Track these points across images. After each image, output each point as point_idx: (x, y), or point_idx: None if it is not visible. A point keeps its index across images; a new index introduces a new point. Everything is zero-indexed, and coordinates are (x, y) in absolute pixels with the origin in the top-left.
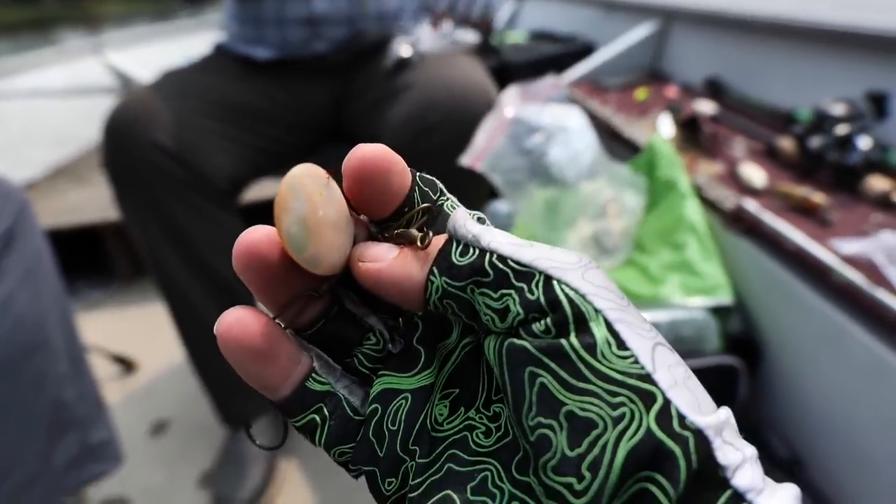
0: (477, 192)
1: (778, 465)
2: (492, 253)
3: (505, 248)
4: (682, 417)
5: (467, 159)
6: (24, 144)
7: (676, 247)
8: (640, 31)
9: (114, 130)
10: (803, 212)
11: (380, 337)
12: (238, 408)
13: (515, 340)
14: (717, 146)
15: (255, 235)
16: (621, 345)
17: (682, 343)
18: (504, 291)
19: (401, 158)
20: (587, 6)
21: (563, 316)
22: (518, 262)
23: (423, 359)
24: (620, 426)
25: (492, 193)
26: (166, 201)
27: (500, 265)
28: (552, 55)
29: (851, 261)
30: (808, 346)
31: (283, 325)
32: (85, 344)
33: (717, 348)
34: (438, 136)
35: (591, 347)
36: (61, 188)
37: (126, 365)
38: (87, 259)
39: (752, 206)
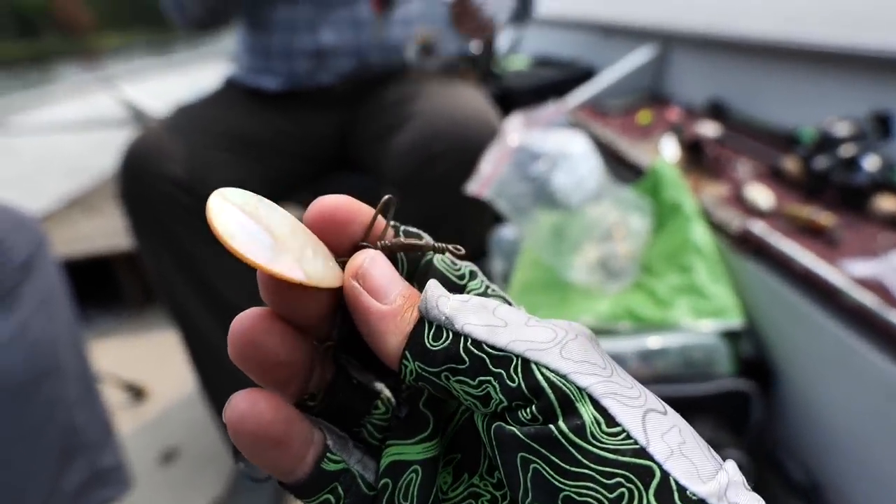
0: (482, 219)
1: (795, 490)
2: (466, 338)
3: (479, 331)
4: (682, 490)
5: (473, 187)
6: (39, 176)
7: (684, 269)
8: (640, 55)
9: (129, 164)
10: (810, 233)
11: (387, 404)
12: None
13: (503, 425)
14: (722, 168)
15: (244, 321)
16: (610, 421)
17: (693, 367)
18: (482, 378)
19: (367, 208)
20: (586, 31)
21: (547, 402)
22: (493, 347)
23: (431, 425)
24: None
25: (497, 219)
26: (179, 232)
27: (476, 351)
28: (553, 81)
29: (862, 282)
30: (821, 369)
31: (293, 403)
32: (96, 371)
33: (729, 372)
34: (442, 165)
35: (579, 430)
36: (74, 218)
37: (136, 392)
38: (99, 287)
39: (759, 227)
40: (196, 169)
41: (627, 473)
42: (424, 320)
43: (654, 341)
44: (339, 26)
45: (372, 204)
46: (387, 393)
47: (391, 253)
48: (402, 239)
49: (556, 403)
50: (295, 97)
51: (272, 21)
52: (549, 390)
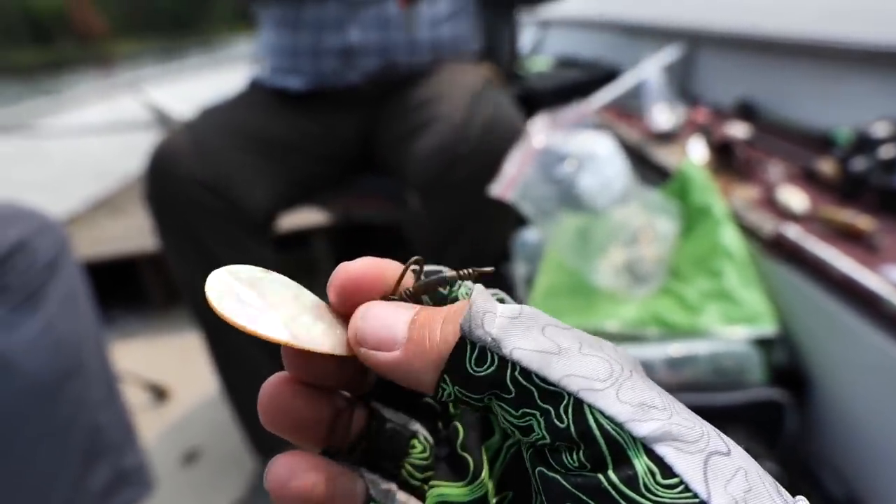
0: (505, 222)
1: None
2: (514, 365)
3: (530, 360)
4: None
5: (497, 189)
6: (67, 179)
7: (714, 274)
8: (667, 55)
9: (156, 166)
10: (848, 237)
11: (425, 443)
12: (270, 438)
13: (546, 472)
14: (752, 170)
15: (267, 389)
16: (667, 472)
17: (724, 375)
18: (527, 411)
19: (393, 264)
20: (611, 31)
21: (597, 450)
22: (544, 380)
23: (472, 467)
24: None
25: (520, 222)
26: (204, 233)
27: (524, 381)
28: (577, 82)
29: None
30: (860, 378)
31: (332, 456)
32: (119, 371)
33: (761, 381)
34: (466, 169)
35: (632, 481)
36: (100, 220)
37: (159, 393)
38: (124, 288)
39: (793, 231)
40: (221, 171)
41: None
42: (466, 341)
43: (682, 348)
44: (367, 25)
45: (394, 207)
46: (424, 432)
47: (416, 299)
48: (423, 279)
49: (606, 452)
50: (320, 97)
51: (300, 20)
52: (601, 439)
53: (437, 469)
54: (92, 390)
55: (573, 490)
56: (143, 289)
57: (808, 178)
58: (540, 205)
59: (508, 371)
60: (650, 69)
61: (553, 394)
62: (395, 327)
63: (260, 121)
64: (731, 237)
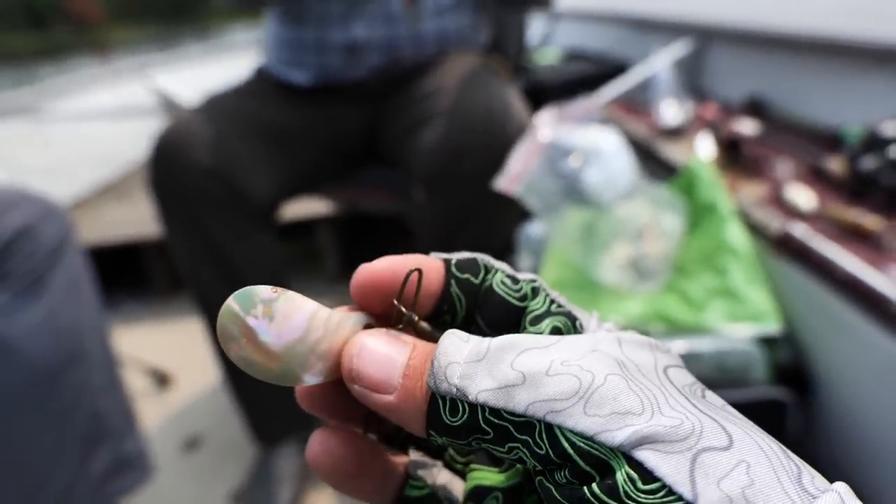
0: (510, 215)
1: None
2: (483, 408)
3: (497, 399)
4: None
5: (502, 182)
6: (73, 164)
7: (719, 271)
8: (677, 49)
9: (160, 153)
10: (856, 236)
11: None
12: (271, 426)
13: (545, 481)
14: (760, 167)
15: (310, 453)
16: (647, 477)
17: (727, 373)
18: (511, 445)
19: (422, 259)
20: (620, 25)
21: (578, 468)
22: (512, 414)
23: None
24: None
25: (524, 215)
26: (207, 221)
27: (496, 420)
28: (585, 75)
29: None
30: (865, 379)
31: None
32: (121, 357)
33: (764, 379)
34: (471, 162)
35: (613, 491)
36: (105, 206)
37: (161, 379)
38: (127, 274)
39: (800, 229)
40: (225, 159)
41: None
42: (436, 396)
43: (686, 345)
44: (371, 20)
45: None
46: None
47: (417, 327)
48: (454, 275)
49: (585, 467)
50: (325, 91)
51: (304, 15)
52: (576, 457)
53: (477, 454)
54: (93, 376)
55: (565, 502)
56: (147, 274)
57: (817, 176)
58: (545, 199)
59: (480, 415)
60: (659, 64)
61: (525, 424)
62: (392, 371)
63: (265, 110)
64: (736, 235)
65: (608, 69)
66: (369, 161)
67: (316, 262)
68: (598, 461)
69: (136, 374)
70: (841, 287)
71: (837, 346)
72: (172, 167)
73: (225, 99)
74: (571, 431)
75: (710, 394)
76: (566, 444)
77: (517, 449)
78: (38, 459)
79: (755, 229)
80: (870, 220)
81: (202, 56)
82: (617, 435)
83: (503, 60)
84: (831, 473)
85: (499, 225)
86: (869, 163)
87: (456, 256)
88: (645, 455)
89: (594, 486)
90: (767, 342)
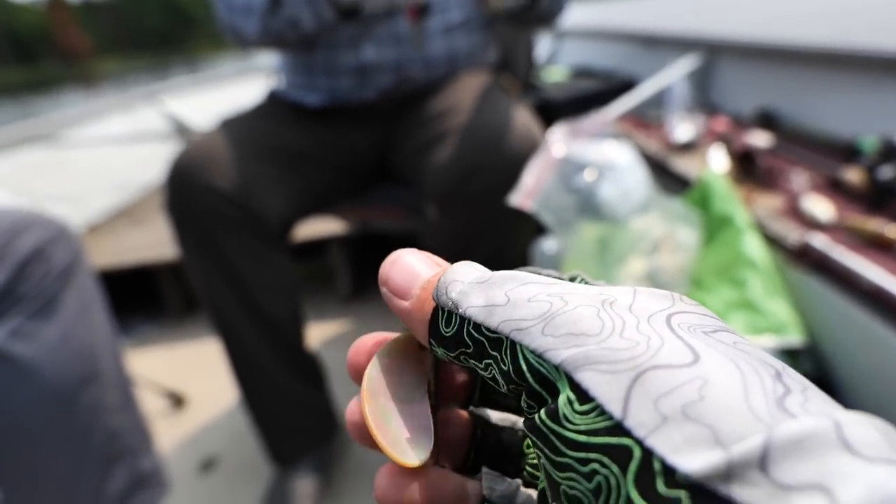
0: (524, 231)
1: None
2: (467, 321)
3: (478, 314)
4: (668, 472)
5: (517, 199)
6: (88, 190)
7: (737, 284)
8: (685, 65)
9: (176, 176)
10: (877, 247)
11: None
12: (287, 447)
13: (525, 417)
14: (775, 179)
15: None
16: (582, 398)
17: None
18: (486, 361)
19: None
20: (627, 41)
21: (531, 388)
22: (488, 329)
23: None
24: (600, 501)
25: (539, 231)
26: (223, 243)
27: (476, 334)
28: (593, 92)
29: None
30: (889, 388)
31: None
32: (136, 378)
33: None
34: (484, 180)
35: (554, 414)
36: (120, 230)
37: (176, 400)
38: (142, 296)
39: (819, 240)
40: (240, 181)
41: (601, 457)
42: (438, 307)
43: None
44: (380, 42)
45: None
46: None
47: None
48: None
49: (537, 387)
50: (337, 112)
51: (314, 38)
52: (528, 374)
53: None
54: (108, 395)
55: (529, 433)
56: (162, 297)
57: (834, 187)
58: (560, 214)
59: (465, 328)
60: (669, 79)
61: (496, 340)
62: (414, 282)
63: (279, 132)
64: (754, 246)
65: (616, 86)
66: (381, 180)
67: (328, 282)
68: (545, 381)
69: (151, 396)
70: (865, 297)
71: (861, 356)
72: (188, 190)
73: (239, 122)
74: (527, 349)
75: (727, 335)
76: (522, 361)
77: (491, 365)
78: (60, 481)
79: (772, 241)
80: (891, 230)
81: (195, 84)
82: (561, 353)
83: (512, 78)
84: None
85: (512, 242)
86: (887, 172)
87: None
88: (584, 375)
89: (542, 410)
90: (790, 354)
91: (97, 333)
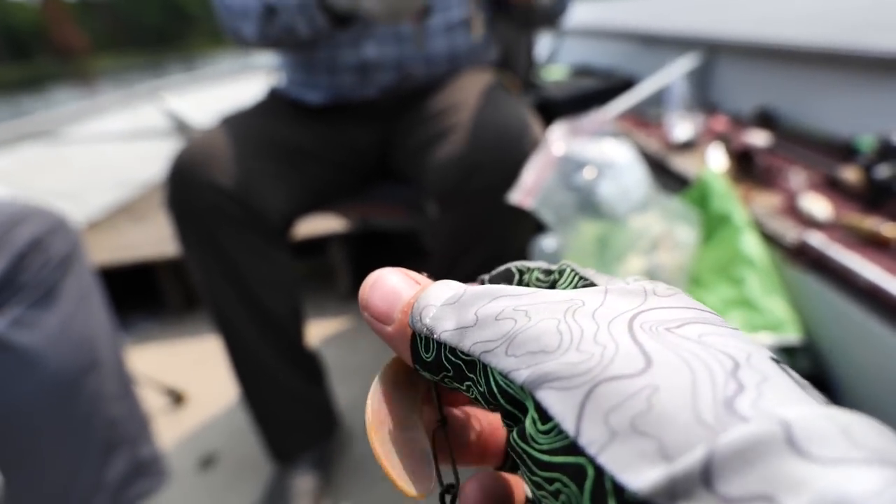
0: (524, 229)
1: None
2: (443, 346)
3: (451, 338)
4: (619, 490)
5: (516, 196)
6: (89, 186)
7: (735, 282)
8: (684, 64)
9: (177, 173)
10: (874, 245)
11: None
12: (287, 444)
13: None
14: (773, 177)
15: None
16: (543, 416)
17: None
18: (467, 383)
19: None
20: (627, 40)
21: (504, 408)
22: (462, 353)
23: None
24: None
25: (539, 229)
26: (224, 240)
27: (453, 358)
28: (593, 90)
29: None
30: (887, 386)
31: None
32: (136, 374)
33: None
34: (484, 176)
35: (522, 434)
36: (121, 226)
37: (176, 397)
38: (142, 293)
39: (817, 239)
40: (242, 178)
41: (562, 477)
42: (415, 333)
43: None
44: (382, 40)
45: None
46: None
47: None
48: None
49: (509, 407)
50: (338, 109)
51: (314, 42)
52: (499, 396)
53: None
54: (107, 384)
55: (509, 451)
56: (162, 294)
57: (831, 186)
58: (559, 212)
59: (443, 353)
60: (669, 78)
61: (471, 363)
62: (394, 303)
63: (280, 129)
64: (752, 245)
65: (615, 84)
66: (382, 177)
67: (329, 279)
68: (515, 401)
69: (151, 392)
70: (862, 295)
71: (859, 354)
72: (189, 187)
73: (240, 119)
74: (494, 369)
75: (693, 328)
76: (493, 383)
77: (472, 387)
78: (61, 468)
79: (770, 239)
80: (887, 229)
81: (195, 82)
82: (522, 373)
83: (513, 76)
84: None
85: (512, 239)
86: (884, 171)
87: (491, 274)
88: (543, 394)
89: (514, 430)
90: (787, 352)
91: (96, 323)
